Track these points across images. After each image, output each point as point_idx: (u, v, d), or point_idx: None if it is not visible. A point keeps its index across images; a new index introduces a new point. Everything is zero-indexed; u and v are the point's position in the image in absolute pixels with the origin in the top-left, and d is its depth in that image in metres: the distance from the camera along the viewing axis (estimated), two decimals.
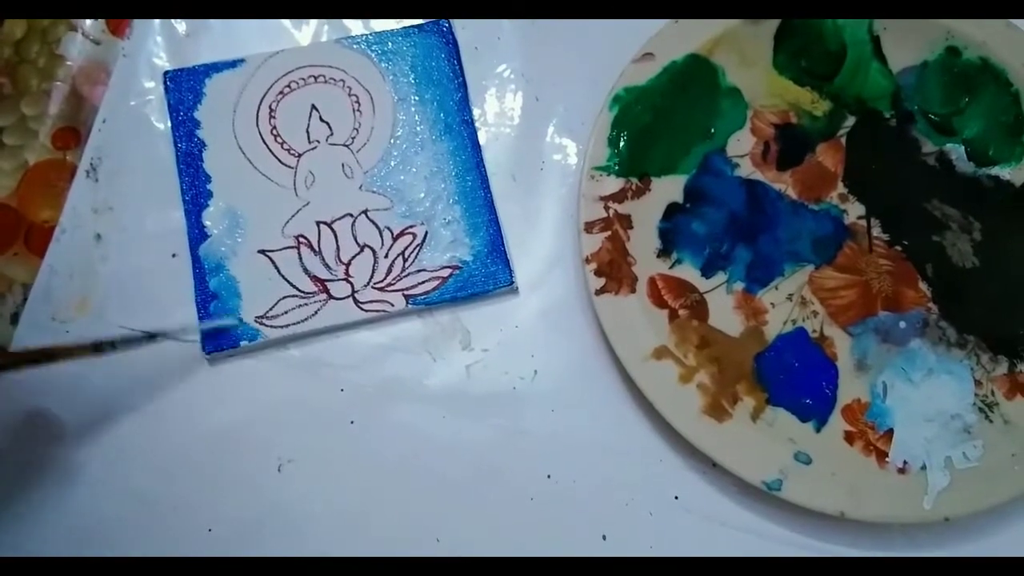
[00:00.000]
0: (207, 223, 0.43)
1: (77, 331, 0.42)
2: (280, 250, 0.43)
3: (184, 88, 0.45)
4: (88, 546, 0.39)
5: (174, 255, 0.43)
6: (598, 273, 0.41)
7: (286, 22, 0.47)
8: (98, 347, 0.41)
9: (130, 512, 0.40)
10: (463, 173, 0.44)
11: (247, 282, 0.42)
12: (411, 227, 0.43)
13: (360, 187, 0.44)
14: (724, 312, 0.41)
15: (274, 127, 0.45)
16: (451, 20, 0.46)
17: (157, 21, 0.47)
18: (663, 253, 0.42)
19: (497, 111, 0.46)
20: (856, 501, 0.37)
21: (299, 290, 0.42)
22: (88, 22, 0.47)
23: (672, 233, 0.42)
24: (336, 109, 0.45)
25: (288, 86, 0.45)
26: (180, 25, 0.47)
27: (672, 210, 0.43)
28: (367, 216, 0.43)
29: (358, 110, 0.45)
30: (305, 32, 0.47)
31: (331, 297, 0.42)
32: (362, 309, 0.42)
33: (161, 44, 0.47)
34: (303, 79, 0.45)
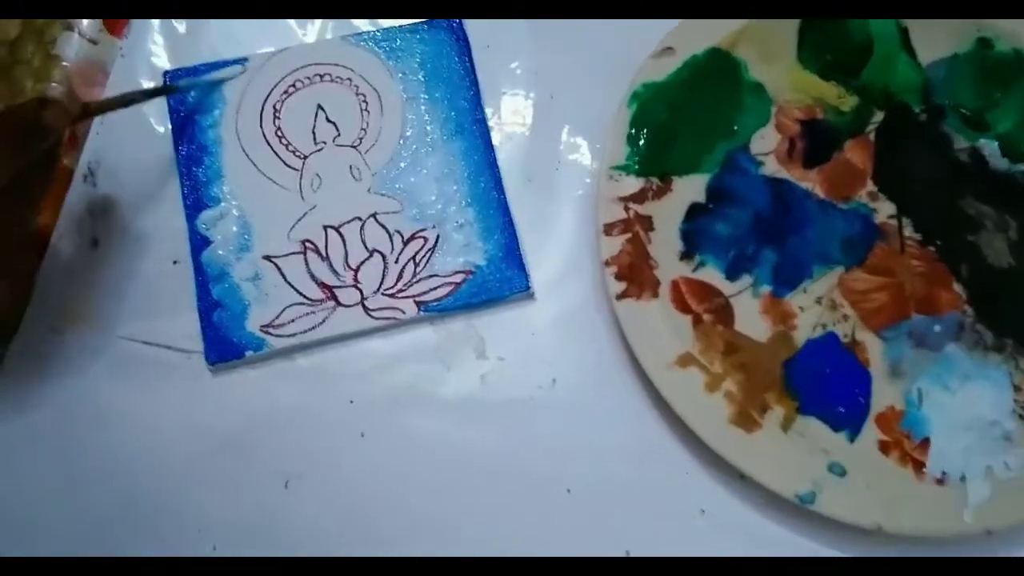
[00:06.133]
0: (209, 229, 0.41)
1: (75, 340, 0.41)
2: (286, 256, 0.41)
3: None
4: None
5: (175, 262, 0.42)
6: (618, 277, 0.39)
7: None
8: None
9: (133, 525, 0.39)
10: (476, 174, 0.42)
11: (252, 290, 0.41)
12: (422, 231, 0.41)
13: (368, 189, 0.42)
14: (750, 316, 0.40)
15: (279, 128, 0.43)
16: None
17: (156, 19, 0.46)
18: (686, 256, 0.41)
19: (510, 110, 0.44)
20: (893, 514, 0.36)
21: (306, 297, 0.41)
22: (85, 22, 0.46)
23: (695, 235, 0.41)
24: (343, 109, 0.43)
25: (293, 85, 0.44)
26: (179, 24, 0.46)
27: (694, 211, 0.41)
28: (376, 220, 0.42)
29: (366, 110, 0.43)
30: (310, 30, 0.46)
31: (339, 304, 0.40)
32: (372, 317, 0.40)
33: (160, 43, 0.45)
34: (308, 78, 0.44)
